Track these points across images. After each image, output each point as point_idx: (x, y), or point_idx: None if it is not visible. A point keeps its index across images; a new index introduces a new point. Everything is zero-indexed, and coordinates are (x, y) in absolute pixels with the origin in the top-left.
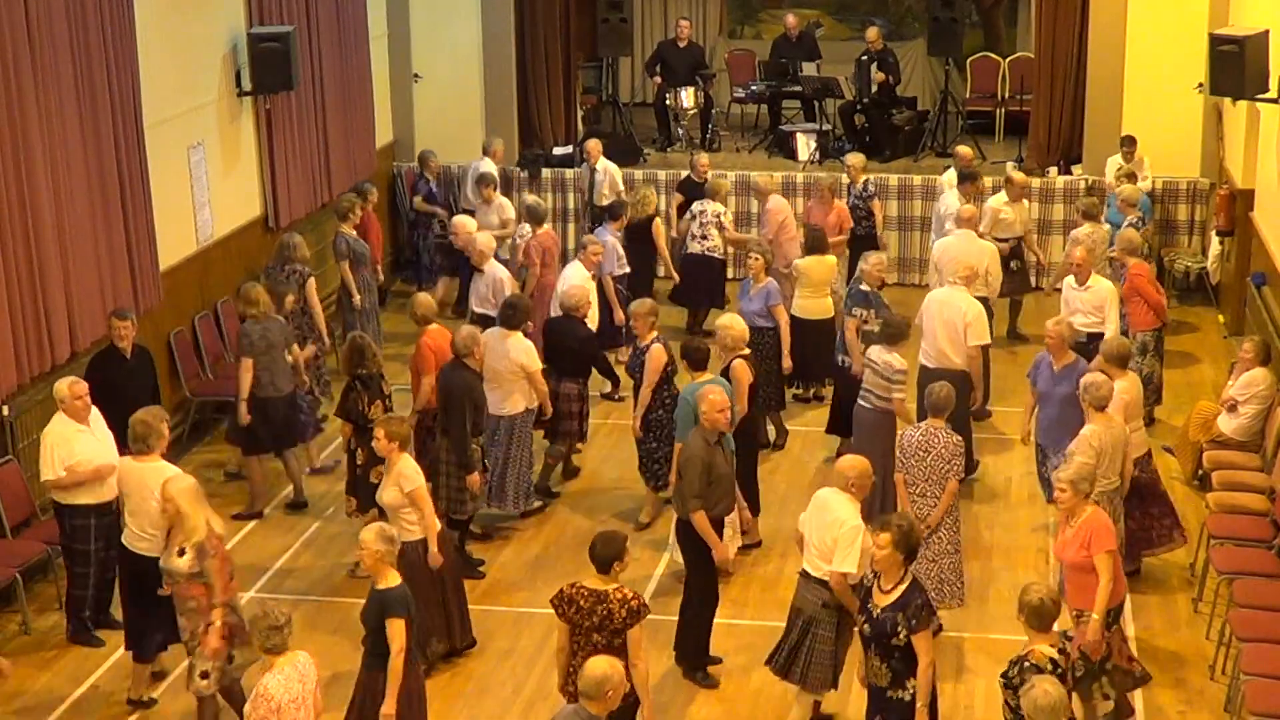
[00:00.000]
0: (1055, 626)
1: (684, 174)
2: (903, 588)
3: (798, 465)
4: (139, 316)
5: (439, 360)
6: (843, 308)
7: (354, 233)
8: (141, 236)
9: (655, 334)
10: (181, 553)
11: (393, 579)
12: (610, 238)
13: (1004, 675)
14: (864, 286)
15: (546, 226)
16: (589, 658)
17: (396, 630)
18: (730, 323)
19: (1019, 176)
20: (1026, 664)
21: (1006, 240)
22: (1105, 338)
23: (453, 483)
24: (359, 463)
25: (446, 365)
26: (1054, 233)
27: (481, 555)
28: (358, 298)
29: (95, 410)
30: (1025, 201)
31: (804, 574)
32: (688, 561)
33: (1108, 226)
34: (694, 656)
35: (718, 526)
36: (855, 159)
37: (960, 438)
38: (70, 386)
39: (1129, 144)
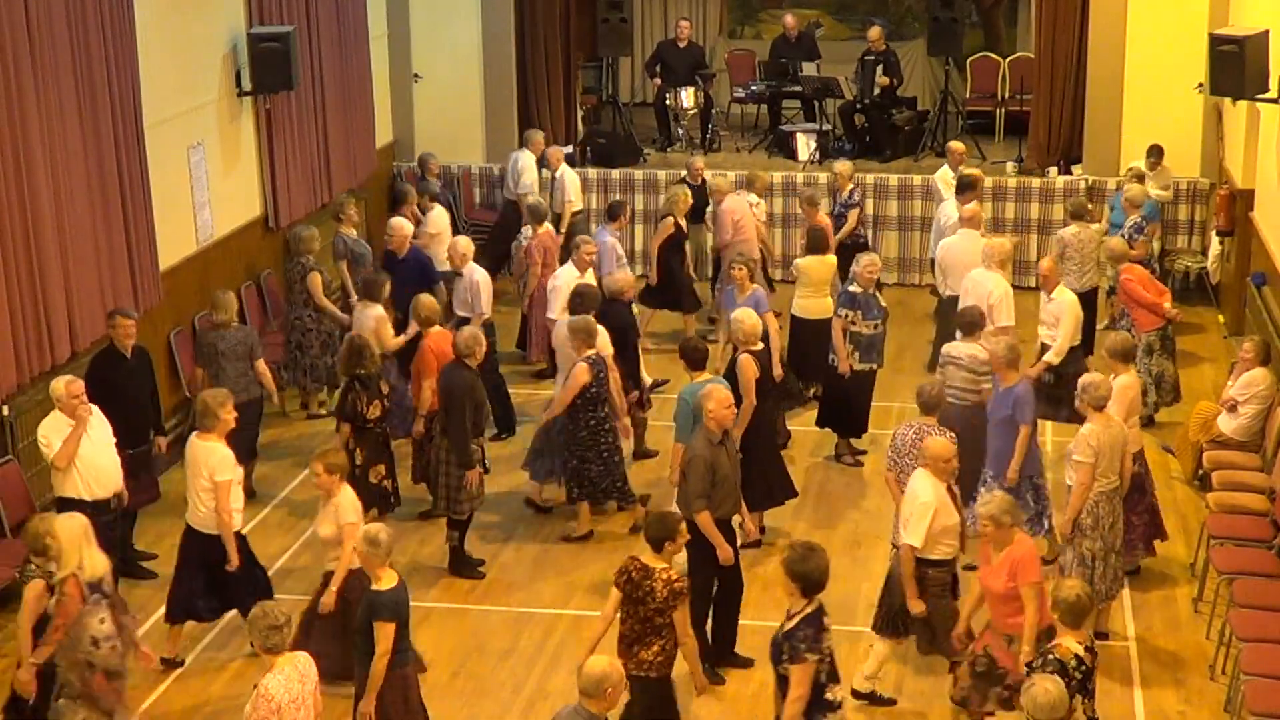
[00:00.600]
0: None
1: (681, 174)
2: (798, 618)
3: (798, 465)
4: (139, 317)
5: (440, 362)
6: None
7: (353, 233)
8: (141, 236)
9: (592, 352)
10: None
11: (387, 581)
12: (609, 238)
13: (1028, 665)
14: (853, 288)
15: (547, 226)
16: (633, 627)
17: (383, 633)
18: (743, 317)
19: (976, 173)
20: (1050, 657)
21: None
22: (1055, 348)
23: (452, 483)
24: (358, 463)
25: (448, 365)
26: (1053, 233)
27: (482, 555)
28: (355, 298)
29: (95, 409)
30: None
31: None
32: (690, 560)
33: (1096, 227)
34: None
35: (724, 528)
36: (843, 166)
37: (953, 435)
38: (67, 385)
39: (1155, 154)
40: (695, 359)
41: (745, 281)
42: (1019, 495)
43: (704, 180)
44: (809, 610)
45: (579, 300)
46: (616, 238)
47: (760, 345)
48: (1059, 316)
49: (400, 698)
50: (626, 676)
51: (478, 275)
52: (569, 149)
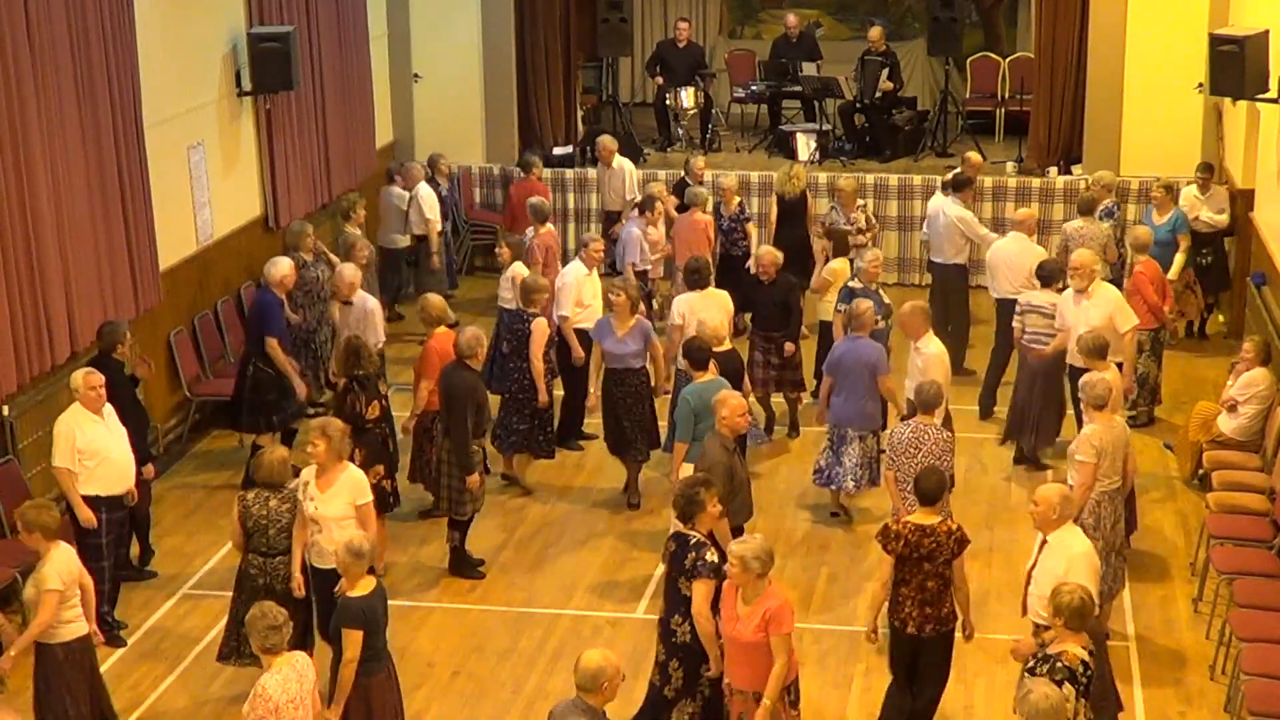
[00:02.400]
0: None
1: (681, 175)
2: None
3: (798, 466)
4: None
5: (444, 363)
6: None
7: (358, 231)
8: (141, 236)
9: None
10: None
11: (362, 588)
12: (636, 230)
13: (1029, 671)
14: (854, 284)
15: (549, 226)
16: (924, 584)
17: (349, 640)
18: (707, 319)
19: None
20: (1059, 665)
21: None
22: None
23: (454, 484)
24: (357, 463)
25: (449, 366)
26: (1054, 233)
27: (481, 555)
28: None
29: (110, 407)
30: None
31: None
32: None
33: (1108, 224)
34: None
35: (739, 535)
36: (729, 180)
37: (950, 434)
38: (85, 377)
39: (1205, 170)
40: (698, 359)
41: (626, 309)
42: None
43: (702, 182)
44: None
45: (695, 274)
46: (644, 232)
47: (729, 345)
48: (926, 369)
49: (363, 707)
50: (933, 635)
51: (370, 304)
52: (569, 149)
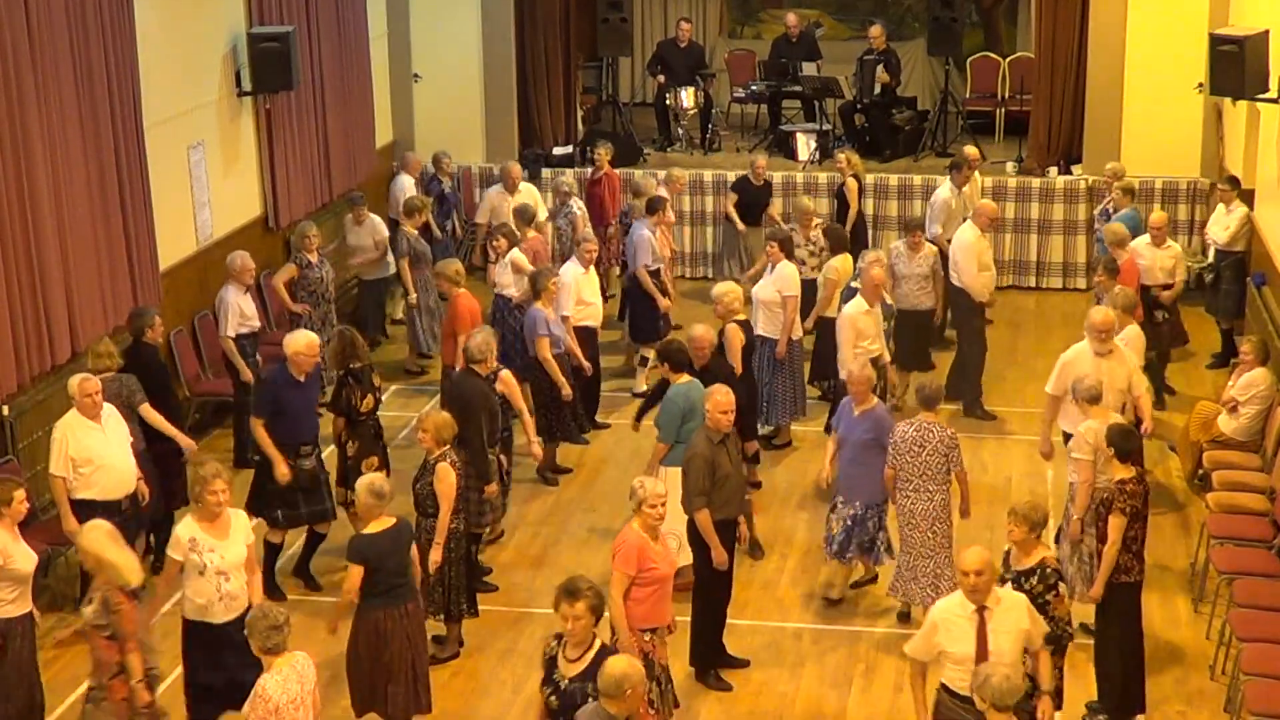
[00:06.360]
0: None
1: (742, 174)
2: (591, 654)
3: (800, 463)
4: None
5: (473, 319)
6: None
7: (414, 232)
8: (141, 236)
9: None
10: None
11: (374, 526)
12: (646, 232)
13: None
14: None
15: (535, 231)
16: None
17: (348, 574)
18: (727, 289)
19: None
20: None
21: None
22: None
23: (472, 495)
24: (349, 454)
25: (458, 374)
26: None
27: (482, 556)
28: (414, 295)
29: (111, 408)
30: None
31: None
32: (697, 562)
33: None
34: (707, 658)
35: (729, 528)
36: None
37: (954, 431)
38: (80, 384)
39: (1232, 184)
40: (676, 361)
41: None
42: (874, 522)
43: (766, 181)
44: (599, 647)
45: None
46: (653, 232)
47: (744, 315)
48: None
49: (372, 634)
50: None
51: None
52: (569, 149)
